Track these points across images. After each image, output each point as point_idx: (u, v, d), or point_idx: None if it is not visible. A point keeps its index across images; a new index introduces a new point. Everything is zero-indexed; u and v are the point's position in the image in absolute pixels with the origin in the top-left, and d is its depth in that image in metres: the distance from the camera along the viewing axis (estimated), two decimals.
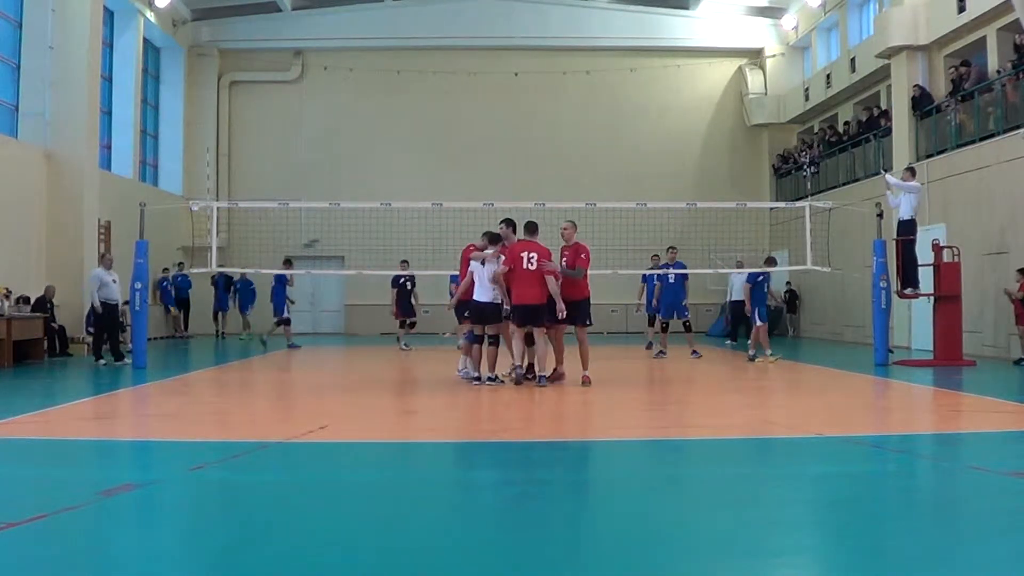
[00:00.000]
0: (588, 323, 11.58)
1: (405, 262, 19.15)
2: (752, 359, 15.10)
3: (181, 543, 4.58)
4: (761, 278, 15.25)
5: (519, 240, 11.40)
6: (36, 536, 4.47)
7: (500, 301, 11.34)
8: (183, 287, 24.17)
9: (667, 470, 6.68)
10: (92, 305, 15.42)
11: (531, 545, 4.43)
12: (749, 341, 15.83)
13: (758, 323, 15.15)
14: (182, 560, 4.23)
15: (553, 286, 10.99)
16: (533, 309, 11.14)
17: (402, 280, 18.88)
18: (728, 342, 20.83)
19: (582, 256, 11.37)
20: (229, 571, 4.07)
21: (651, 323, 18.49)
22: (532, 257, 11.09)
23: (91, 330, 18.10)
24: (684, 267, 17.04)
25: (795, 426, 8.38)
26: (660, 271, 16.97)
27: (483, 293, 11.30)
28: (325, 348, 21.15)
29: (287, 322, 19.53)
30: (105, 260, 15.74)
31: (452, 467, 6.75)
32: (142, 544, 4.49)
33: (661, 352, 16.28)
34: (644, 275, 18.70)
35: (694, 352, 16.31)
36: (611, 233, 20.58)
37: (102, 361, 15.21)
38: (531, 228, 11.47)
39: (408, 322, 19.45)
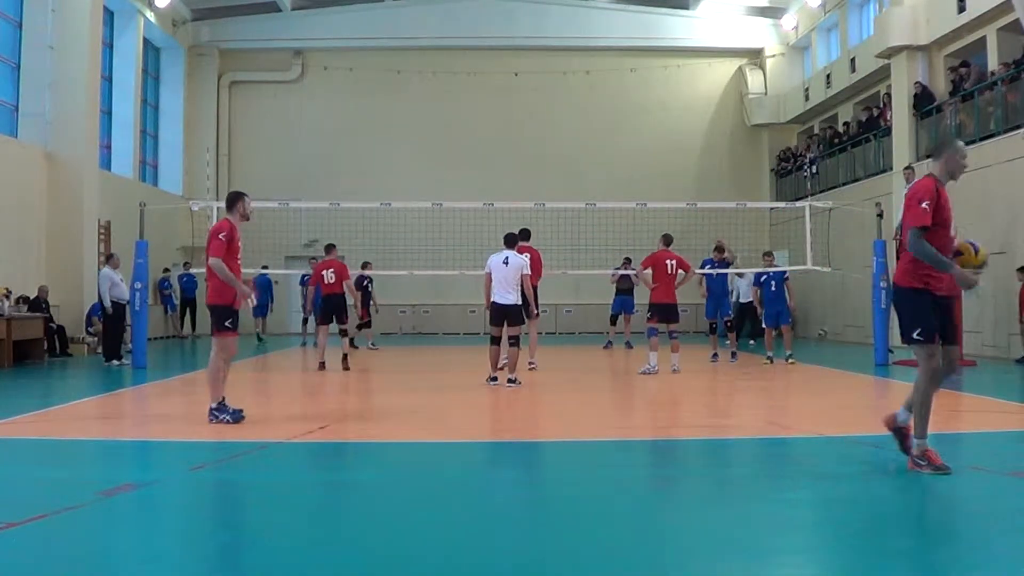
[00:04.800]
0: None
1: (367, 263, 19.07)
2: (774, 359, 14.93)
3: (181, 543, 4.58)
4: (764, 277, 15.04)
5: None
6: (36, 536, 4.47)
7: (520, 302, 11.30)
8: (189, 288, 24.16)
9: (668, 470, 6.68)
10: (103, 305, 15.41)
11: (532, 545, 4.43)
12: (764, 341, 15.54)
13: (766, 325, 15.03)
14: (182, 560, 4.23)
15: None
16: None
17: (364, 282, 18.94)
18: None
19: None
20: (229, 571, 4.07)
21: (613, 322, 19.80)
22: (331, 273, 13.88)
23: (91, 330, 18.13)
24: (728, 266, 16.44)
25: (795, 426, 8.38)
26: (708, 271, 15.94)
27: (501, 295, 11.19)
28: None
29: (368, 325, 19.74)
30: (113, 260, 15.73)
31: (452, 467, 6.74)
32: (142, 544, 4.49)
33: (715, 355, 15.57)
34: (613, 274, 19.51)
35: (733, 354, 15.67)
36: (611, 233, 20.62)
37: (116, 362, 15.13)
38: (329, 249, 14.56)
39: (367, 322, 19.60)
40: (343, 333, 14.22)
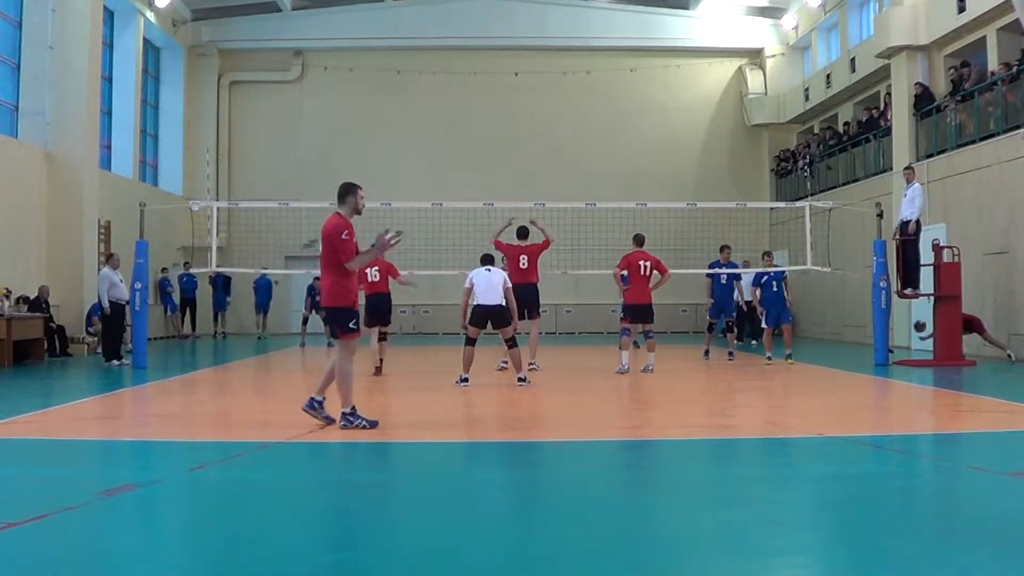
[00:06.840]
0: None
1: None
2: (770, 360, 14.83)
3: (181, 543, 4.58)
4: (765, 278, 15.00)
5: None
6: (36, 536, 4.47)
7: (505, 304, 11.34)
8: (189, 288, 24.19)
9: (667, 470, 6.68)
10: (101, 306, 15.39)
11: (531, 545, 4.43)
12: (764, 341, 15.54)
13: (763, 326, 15.05)
14: (182, 560, 4.23)
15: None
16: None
17: None
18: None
19: None
20: (229, 571, 4.07)
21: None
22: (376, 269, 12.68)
23: (91, 330, 18.13)
24: (736, 267, 16.50)
25: (795, 426, 8.38)
26: (714, 271, 16.14)
27: (486, 298, 11.27)
28: (323, 348, 21.12)
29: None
30: (113, 260, 15.73)
31: (453, 467, 6.74)
32: (142, 544, 4.49)
33: (708, 352, 15.68)
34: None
35: (730, 354, 15.71)
36: (611, 233, 20.57)
37: (115, 362, 15.08)
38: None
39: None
40: (383, 337, 13.44)
